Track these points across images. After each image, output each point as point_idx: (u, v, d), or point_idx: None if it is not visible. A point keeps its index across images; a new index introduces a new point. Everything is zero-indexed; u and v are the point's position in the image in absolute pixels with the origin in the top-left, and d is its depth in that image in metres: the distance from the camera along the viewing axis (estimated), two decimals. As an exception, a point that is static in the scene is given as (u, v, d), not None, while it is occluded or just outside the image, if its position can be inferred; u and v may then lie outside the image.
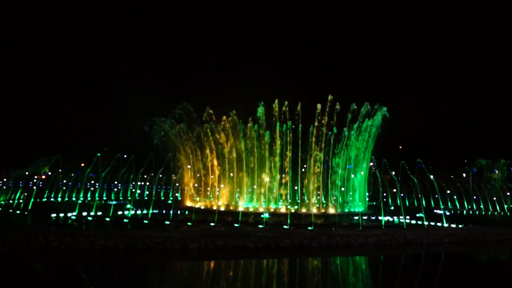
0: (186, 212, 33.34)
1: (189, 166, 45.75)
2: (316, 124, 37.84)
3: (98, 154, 45.55)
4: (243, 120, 38.72)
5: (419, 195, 44.81)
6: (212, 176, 44.35)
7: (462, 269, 17.03)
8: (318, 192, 43.08)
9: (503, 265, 18.18)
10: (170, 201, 49.31)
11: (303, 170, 42.12)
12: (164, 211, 33.90)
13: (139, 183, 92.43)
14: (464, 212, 41.93)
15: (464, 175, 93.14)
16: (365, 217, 33.28)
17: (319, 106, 37.79)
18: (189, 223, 26.06)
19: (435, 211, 42.15)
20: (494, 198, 62.38)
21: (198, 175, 44.27)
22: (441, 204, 42.67)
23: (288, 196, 41.29)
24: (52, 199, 45.25)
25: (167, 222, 26.14)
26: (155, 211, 33.52)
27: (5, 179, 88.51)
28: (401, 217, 32.14)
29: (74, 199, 46.41)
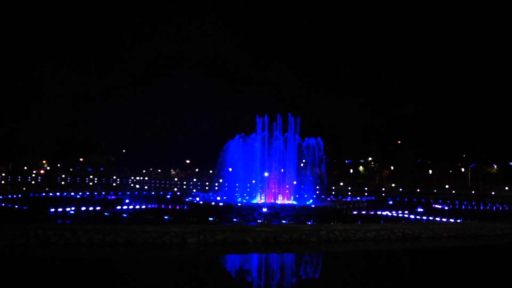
0: (185, 207, 33.36)
1: (188, 161, 46.09)
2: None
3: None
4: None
5: (418, 190, 44.83)
6: (211, 171, 44.62)
7: (459, 263, 17.09)
8: (317, 187, 43.14)
9: (499, 260, 18.22)
10: (169, 196, 49.33)
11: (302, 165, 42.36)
12: (163, 206, 33.91)
13: (138, 177, 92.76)
14: (463, 206, 41.99)
15: (462, 169, 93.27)
16: (363, 212, 33.36)
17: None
18: (188, 218, 26.04)
19: (434, 205, 42.21)
20: (493, 193, 62.51)
21: (197, 169, 44.65)
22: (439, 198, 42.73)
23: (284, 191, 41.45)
24: (50, 194, 45.20)
25: (166, 217, 26.12)
26: (154, 206, 33.53)
27: (3, 174, 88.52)
28: (399, 211, 32.20)
29: (72, 193, 46.35)
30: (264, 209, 32.89)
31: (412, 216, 29.98)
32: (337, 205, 38.94)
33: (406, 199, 51.15)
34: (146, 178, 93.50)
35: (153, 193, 56.32)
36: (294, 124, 42.34)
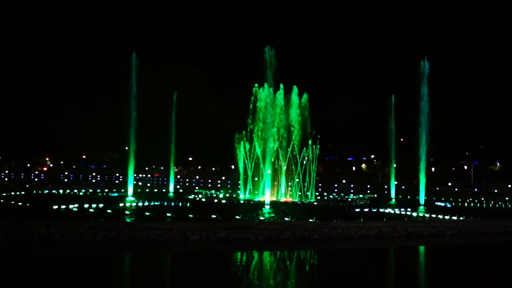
0: (188, 204, 33.42)
1: (190, 158, 46.18)
2: None
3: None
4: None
5: (420, 187, 44.70)
6: (214, 169, 44.72)
7: (462, 260, 17.07)
8: (320, 185, 43.08)
9: (502, 258, 18.19)
10: (171, 193, 49.42)
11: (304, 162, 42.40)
12: (165, 203, 33.99)
13: (140, 175, 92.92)
14: (466, 204, 41.91)
15: (465, 167, 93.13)
16: (366, 209, 33.34)
17: None
18: (190, 215, 26.10)
19: (436, 203, 42.18)
20: (496, 191, 62.43)
21: (199, 167, 44.84)
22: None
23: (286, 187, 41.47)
24: (53, 191, 45.32)
25: (168, 214, 26.17)
26: (156, 203, 33.59)
27: (6, 171, 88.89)
28: (402, 209, 32.16)
29: (75, 191, 46.48)
30: (267, 206, 32.93)
31: (414, 214, 29.95)
32: (339, 203, 38.95)
33: (408, 197, 51.09)
34: (149, 176, 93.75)
35: (155, 190, 56.47)
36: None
